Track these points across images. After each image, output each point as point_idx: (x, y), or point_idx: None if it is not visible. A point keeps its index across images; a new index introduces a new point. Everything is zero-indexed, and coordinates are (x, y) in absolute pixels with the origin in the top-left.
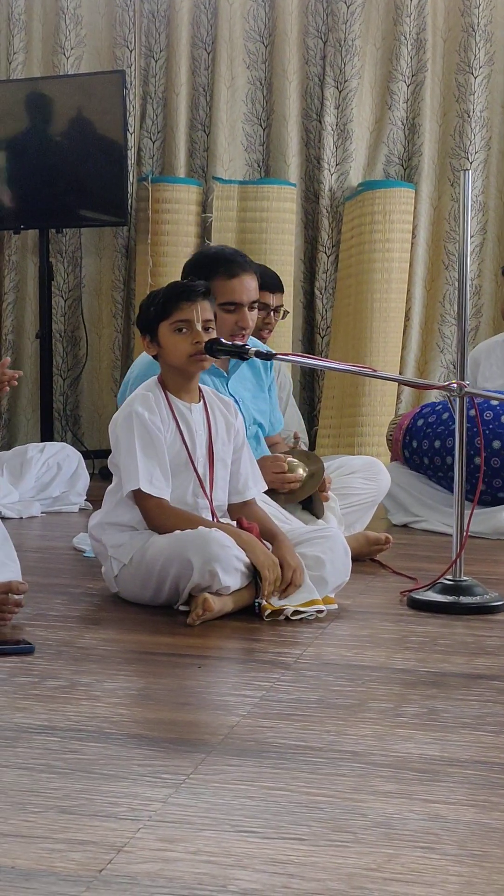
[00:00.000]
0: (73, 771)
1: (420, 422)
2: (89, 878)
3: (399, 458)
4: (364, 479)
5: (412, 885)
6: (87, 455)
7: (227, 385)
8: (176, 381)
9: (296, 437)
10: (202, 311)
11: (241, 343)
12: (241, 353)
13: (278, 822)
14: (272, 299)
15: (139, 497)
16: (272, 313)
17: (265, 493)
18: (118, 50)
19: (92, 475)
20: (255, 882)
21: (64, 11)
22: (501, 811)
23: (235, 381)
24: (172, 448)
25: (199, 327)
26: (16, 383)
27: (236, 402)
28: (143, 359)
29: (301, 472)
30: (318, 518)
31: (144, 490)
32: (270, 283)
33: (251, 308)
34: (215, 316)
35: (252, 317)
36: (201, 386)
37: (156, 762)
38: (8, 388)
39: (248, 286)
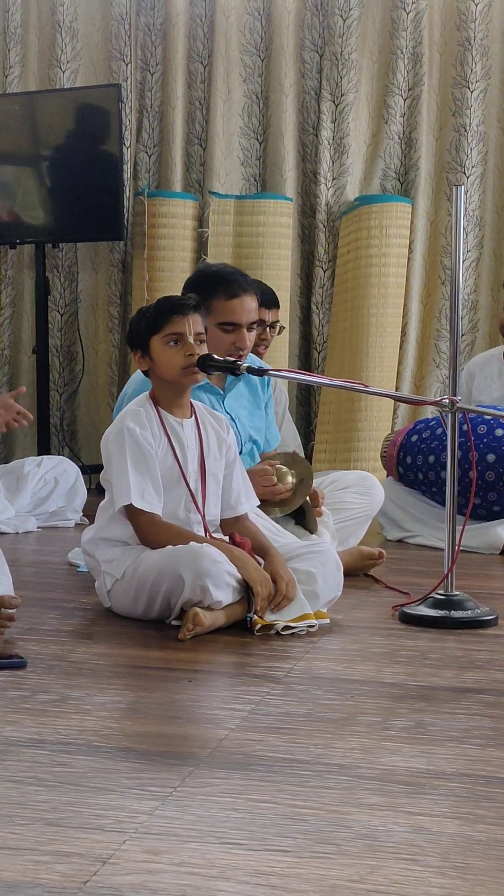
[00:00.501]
0: (61, 784)
1: (414, 437)
2: (74, 889)
3: (393, 474)
4: (358, 493)
5: None
6: (84, 470)
7: (223, 402)
8: (167, 397)
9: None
10: (194, 324)
11: (232, 359)
12: (232, 369)
13: (263, 835)
14: (268, 315)
15: (131, 512)
16: (268, 329)
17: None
18: (114, 63)
19: (89, 490)
20: (239, 893)
21: (60, 25)
22: (485, 823)
23: (231, 398)
24: (164, 463)
25: (191, 340)
26: (25, 423)
27: (232, 419)
28: (139, 374)
29: (290, 479)
30: (311, 533)
31: (136, 505)
32: (266, 298)
33: (250, 329)
34: (206, 331)
35: (251, 337)
36: (193, 402)
37: (144, 775)
38: (16, 425)
39: (248, 307)
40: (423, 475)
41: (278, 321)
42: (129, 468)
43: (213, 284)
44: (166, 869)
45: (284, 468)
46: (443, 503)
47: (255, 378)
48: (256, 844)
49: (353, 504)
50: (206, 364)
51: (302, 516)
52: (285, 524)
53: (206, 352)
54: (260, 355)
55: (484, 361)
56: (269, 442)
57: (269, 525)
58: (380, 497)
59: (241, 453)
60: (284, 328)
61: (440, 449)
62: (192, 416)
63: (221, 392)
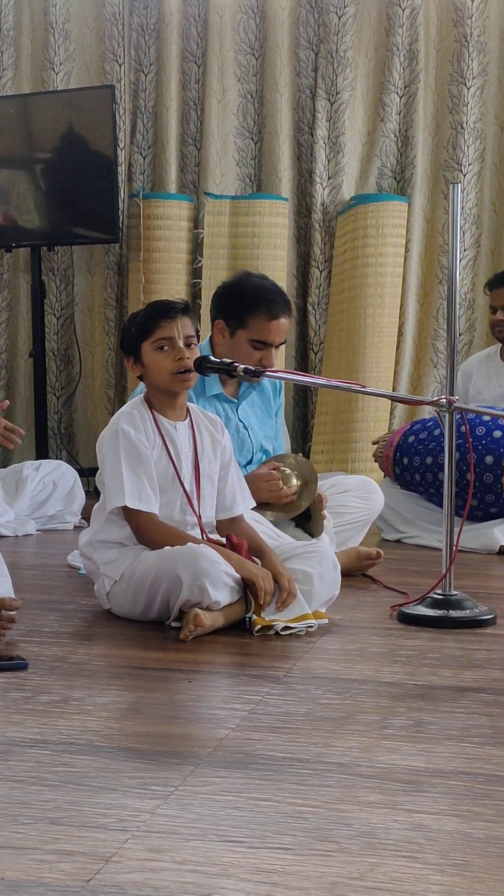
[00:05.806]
0: (63, 783)
1: (411, 438)
2: (77, 887)
3: (390, 475)
4: (358, 498)
5: (394, 894)
6: (81, 473)
7: (236, 411)
8: (161, 400)
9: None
10: (183, 327)
11: (229, 361)
12: (229, 371)
13: (264, 832)
14: None
15: (128, 514)
16: None
17: (262, 507)
18: (107, 64)
19: (87, 493)
20: (240, 891)
21: (53, 27)
22: (484, 821)
23: (245, 406)
24: (159, 465)
25: (180, 343)
26: (18, 441)
27: (244, 427)
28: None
29: (294, 481)
30: (313, 537)
31: (131, 507)
32: None
33: (277, 347)
34: (235, 340)
35: (276, 355)
36: (189, 405)
37: (145, 774)
38: (10, 445)
39: (284, 329)
40: (421, 476)
41: None
42: (123, 469)
43: (255, 301)
44: (168, 867)
45: (288, 470)
46: (441, 504)
47: (268, 385)
48: (257, 842)
49: (353, 508)
50: (202, 366)
51: (306, 519)
52: (285, 528)
53: (197, 355)
54: None
55: (481, 360)
56: (275, 450)
57: (267, 528)
58: (380, 502)
59: (250, 462)
60: None
61: (438, 450)
62: (186, 418)
63: (235, 401)
